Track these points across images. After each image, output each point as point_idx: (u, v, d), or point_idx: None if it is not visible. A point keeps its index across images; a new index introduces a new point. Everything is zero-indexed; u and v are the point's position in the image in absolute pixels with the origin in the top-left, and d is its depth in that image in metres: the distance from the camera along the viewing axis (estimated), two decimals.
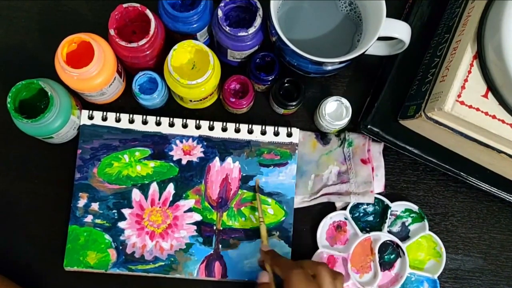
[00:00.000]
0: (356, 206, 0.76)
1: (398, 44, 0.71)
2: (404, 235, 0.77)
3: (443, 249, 0.76)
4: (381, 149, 0.77)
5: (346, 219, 0.76)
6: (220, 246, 0.73)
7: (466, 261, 0.77)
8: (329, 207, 0.76)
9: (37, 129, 0.68)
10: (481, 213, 0.78)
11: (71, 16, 0.78)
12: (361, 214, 0.76)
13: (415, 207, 0.76)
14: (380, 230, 0.75)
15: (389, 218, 0.76)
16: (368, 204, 0.76)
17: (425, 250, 0.77)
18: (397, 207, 0.76)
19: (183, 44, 0.68)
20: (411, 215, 0.77)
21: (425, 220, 0.76)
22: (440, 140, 0.73)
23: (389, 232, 0.76)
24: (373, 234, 0.75)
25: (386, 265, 0.76)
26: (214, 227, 0.74)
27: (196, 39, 0.72)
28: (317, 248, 0.75)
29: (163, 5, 0.69)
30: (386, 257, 0.76)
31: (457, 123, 0.66)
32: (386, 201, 0.76)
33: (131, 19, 0.71)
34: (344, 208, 0.75)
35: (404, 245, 0.75)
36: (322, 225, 0.75)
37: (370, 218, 0.76)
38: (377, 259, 0.75)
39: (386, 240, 0.76)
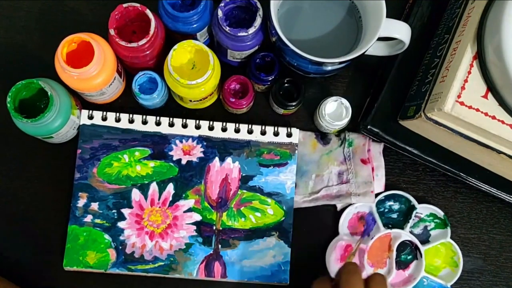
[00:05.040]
0: (383, 201, 0.76)
1: (398, 45, 0.71)
2: (425, 239, 0.76)
3: (461, 260, 0.75)
4: (381, 149, 0.77)
5: (371, 211, 0.76)
6: (220, 246, 0.73)
7: (465, 261, 0.77)
8: (330, 207, 0.76)
9: (37, 129, 0.68)
10: (481, 214, 0.78)
11: (71, 16, 0.78)
12: (386, 210, 0.76)
13: (440, 213, 0.75)
14: (402, 229, 0.75)
15: (413, 219, 0.75)
16: (395, 201, 0.76)
17: (442, 258, 0.76)
18: (423, 209, 0.76)
19: (183, 44, 0.68)
20: (435, 220, 0.76)
21: (448, 228, 0.75)
22: (440, 141, 0.73)
23: (410, 232, 0.76)
24: (394, 231, 0.75)
25: (401, 265, 0.76)
26: (214, 227, 0.74)
27: (196, 39, 0.72)
28: (318, 248, 0.75)
29: (163, 5, 0.69)
30: (403, 256, 0.76)
31: (457, 124, 0.66)
32: (413, 201, 0.75)
33: (131, 19, 0.71)
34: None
35: (422, 248, 0.75)
36: (346, 212, 0.75)
37: (394, 215, 0.76)
38: (394, 256, 0.75)
39: (406, 240, 0.75)
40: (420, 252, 0.75)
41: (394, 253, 0.75)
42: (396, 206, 0.76)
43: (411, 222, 0.75)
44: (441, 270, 0.76)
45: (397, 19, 0.69)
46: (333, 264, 0.74)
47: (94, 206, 0.73)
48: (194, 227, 0.74)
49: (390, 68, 0.75)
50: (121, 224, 0.73)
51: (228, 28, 0.67)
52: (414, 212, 0.75)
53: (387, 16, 0.67)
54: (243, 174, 0.75)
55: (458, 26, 0.70)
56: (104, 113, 0.74)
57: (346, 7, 0.74)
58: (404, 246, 0.76)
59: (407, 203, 0.76)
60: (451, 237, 0.77)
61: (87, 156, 0.74)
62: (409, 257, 0.76)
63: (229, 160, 0.75)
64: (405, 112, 0.72)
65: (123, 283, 0.74)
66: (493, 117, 0.64)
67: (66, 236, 0.72)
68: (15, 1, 0.78)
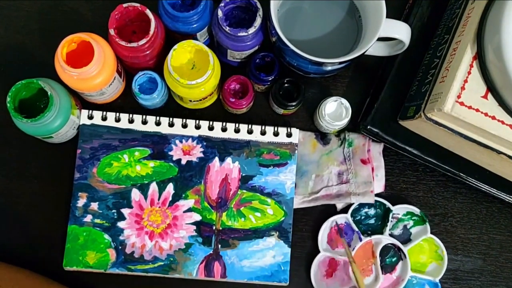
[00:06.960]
0: (358, 209, 0.76)
1: (398, 45, 0.71)
2: (406, 238, 0.76)
3: (445, 252, 0.75)
4: (381, 149, 0.77)
5: (347, 222, 0.76)
6: (220, 246, 0.73)
7: (465, 262, 0.77)
8: (329, 207, 0.76)
9: (37, 129, 0.68)
10: (481, 214, 0.78)
11: (71, 16, 0.78)
12: (363, 217, 0.76)
13: (416, 210, 0.76)
14: (382, 233, 0.75)
15: (391, 221, 0.76)
16: (369, 207, 0.76)
17: (427, 253, 0.76)
18: (399, 210, 0.76)
19: (183, 44, 0.68)
20: (413, 218, 0.76)
21: (427, 223, 0.76)
22: (440, 141, 0.73)
23: (391, 235, 0.76)
24: (374, 237, 0.75)
25: (387, 268, 0.76)
26: (214, 227, 0.74)
27: (196, 39, 0.72)
28: (317, 249, 0.75)
29: (163, 5, 0.69)
30: (387, 260, 0.76)
31: (457, 124, 0.66)
32: (388, 204, 0.75)
33: (131, 19, 0.71)
34: (346, 212, 0.75)
35: (405, 248, 0.75)
36: (324, 228, 0.75)
37: (372, 221, 0.76)
38: (379, 262, 0.75)
39: (388, 243, 0.75)
40: (403, 253, 0.75)
41: (378, 258, 0.75)
42: (371, 211, 0.76)
43: (389, 225, 0.75)
44: (427, 266, 0.76)
45: (397, 19, 0.69)
46: (320, 281, 0.74)
47: (94, 206, 0.73)
48: (194, 227, 0.74)
49: (390, 68, 0.75)
50: (121, 224, 0.73)
51: (228, 28, 0.67)
52: (390, 214, 0.75)
53: (387, 16, 0.67)
54: (243, 174, 0.75)
55: (458, 26, 0.70)
56: (104, 113, 0.74)
57: (346, 7, 0.74)
58: (387, 249, 0.76)
59: (382, 207, 0.76)
60: (452, 237, 0.77)
61: (87, 156, 0.74)
62: (394, 259, 0.76)
63: (229, 160, 0.75)
64: (405, 112, 0.72)
65: (123, 283, 0.74)
66: (493, 118, 0.64)
67: (66, 236, 0.72)
68: (15, 1, 0.78)
